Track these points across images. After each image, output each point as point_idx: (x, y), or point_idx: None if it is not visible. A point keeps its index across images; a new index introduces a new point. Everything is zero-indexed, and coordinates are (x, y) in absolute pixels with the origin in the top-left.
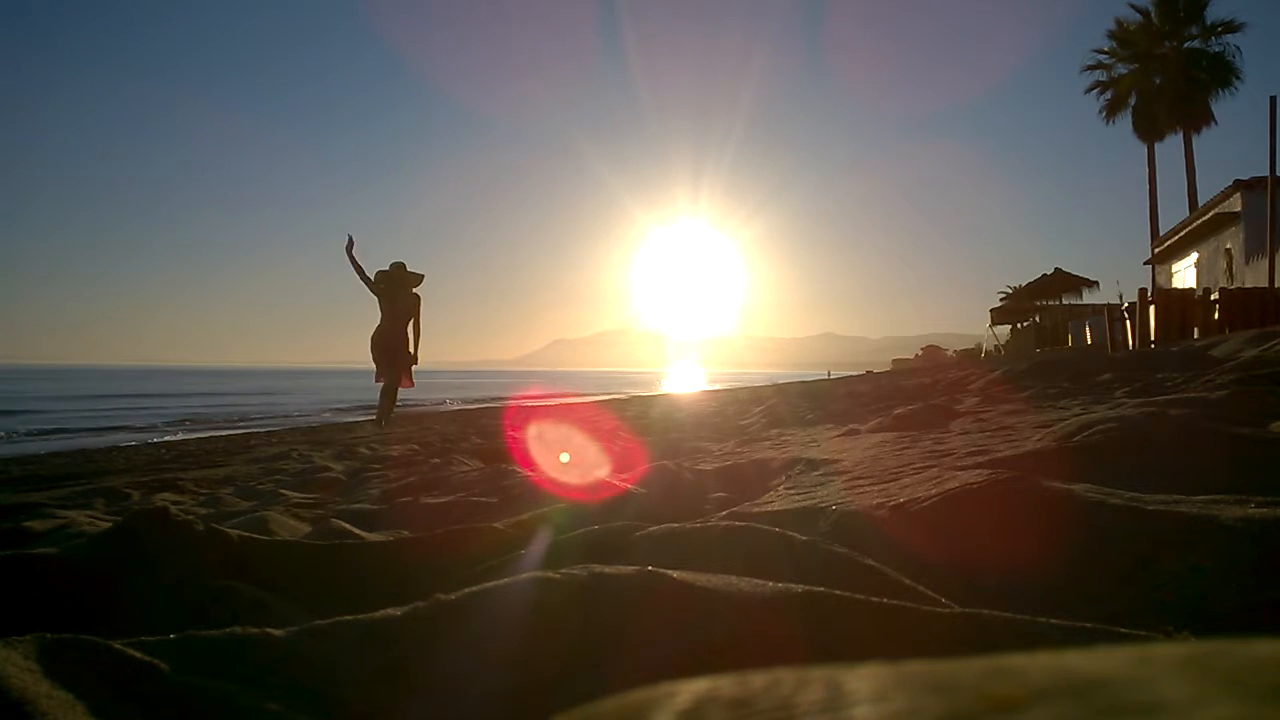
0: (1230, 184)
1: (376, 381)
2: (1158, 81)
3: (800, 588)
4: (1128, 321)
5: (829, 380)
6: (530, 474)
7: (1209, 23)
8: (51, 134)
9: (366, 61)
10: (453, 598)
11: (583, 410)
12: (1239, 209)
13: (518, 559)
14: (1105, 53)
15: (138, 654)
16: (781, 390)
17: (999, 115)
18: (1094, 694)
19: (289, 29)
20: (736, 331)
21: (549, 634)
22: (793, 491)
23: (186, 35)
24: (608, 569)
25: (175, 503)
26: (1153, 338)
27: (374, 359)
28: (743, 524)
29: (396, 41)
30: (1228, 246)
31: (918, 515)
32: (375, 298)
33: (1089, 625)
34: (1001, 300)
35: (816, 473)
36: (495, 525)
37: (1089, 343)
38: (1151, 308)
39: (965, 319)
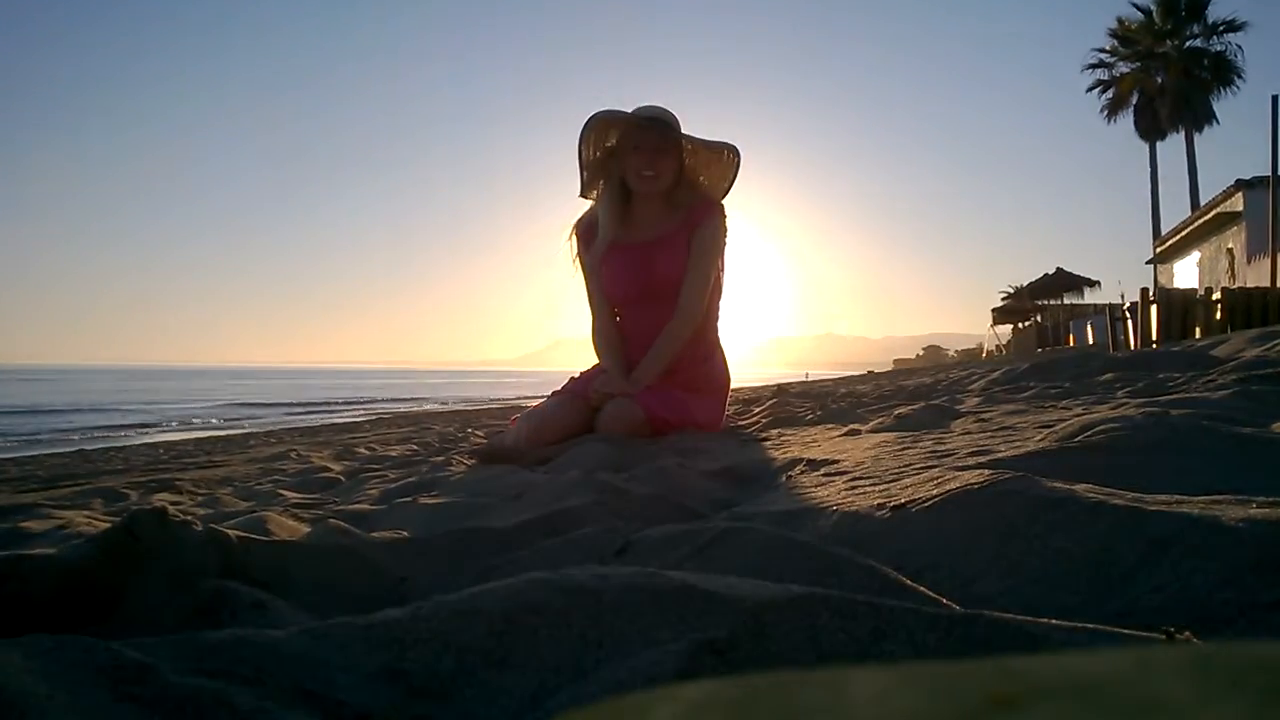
0: (1232, 183)
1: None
2: (1159, 80)
3: (800, 588)
4: (1129, 321)
5: (831, 380)
6: (530, 474)
7: (1211, 21)
8: (47, 129)
9: (365, 54)
10: (452, 598)
11: None
12: (1241, 208)
13: (518, 559)
14: (1107, 51)
15: (137, 654)
16: (781, 390)
17: (1000, 115)
18: (1094, 694)
19: (286, 20)
20: (738, 331)
21: (549, 635)
22: (793, 491)
23: (182, 27)
24: (608, 569)
25: (173, 503)
26: (1154, 337)
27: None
28: (743, 524)
29: (392, 34)
30: (1229, 246)
31: (918, 515)
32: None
33: (1089, 625)
34: (1003, 300)
35: (817, 473)
36: (495, 525)
37: (1091, 342)
38: (1153, 307)
39: (966, 319)
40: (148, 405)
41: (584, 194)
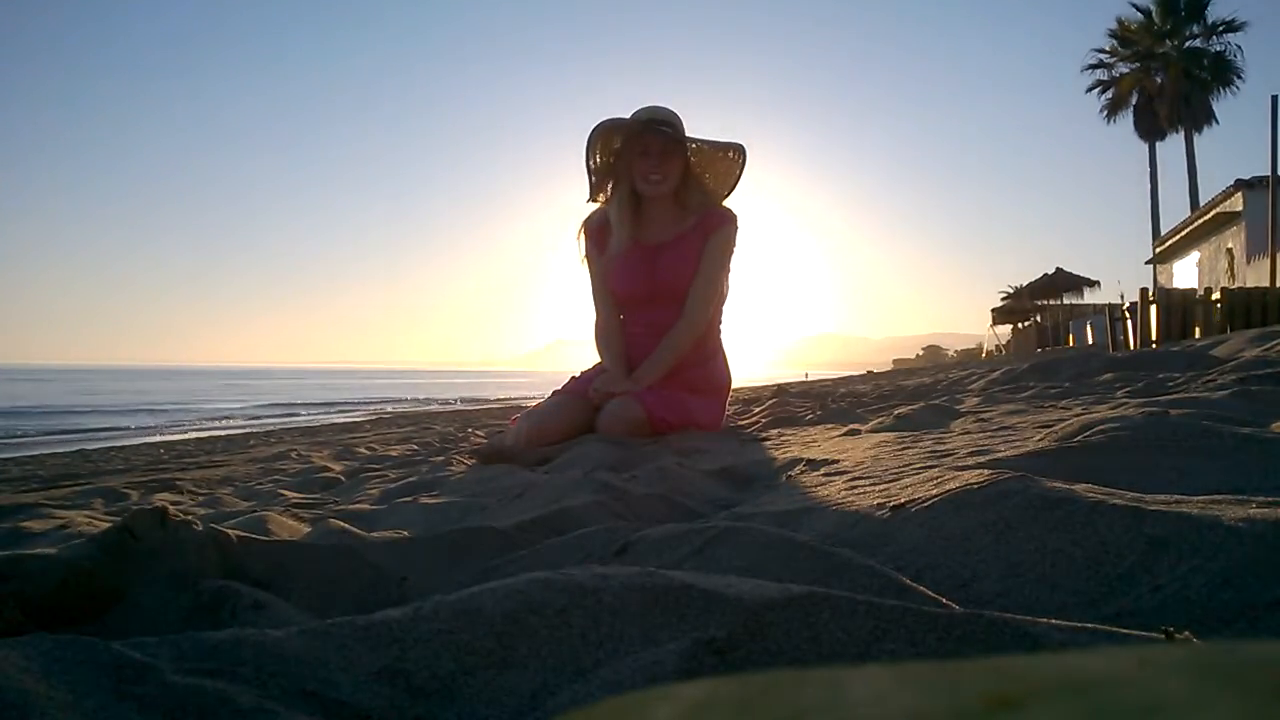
0: (1232, 183)
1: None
2: (1159, 80)
3: (800, 588)
4: (1129, 321)
5: (831, 380)
6: (530, 474)
7: (1210, 22)
8: (45, 126)
9: (369, 53)
10: (452, 598)
11: None
12: (1240, 208)
13: (518, 559)
14: (1106, 52)
15: (138, 654)
16: (781, 390)
17: (1000, 115)
18: (1094, 694)
19: (284, 18)
20: (740, 332)
21: (549, 634)
22: (793, 491)
23: (185, 27)
24: (608, 569)
25: (174, 502)
26: (1154, 337)
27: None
28: (743, 524)
29: (393, 33)
30: (1229, 246)
31: (918, 515)
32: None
33: (1089, 625)
34: (1003, 300)
35: (817, 473)
36: (495, 525)
37: (1090, 342)
38: (1153, 307)
39: (966, 319)
40: (149, 405)
41: (592, 197)
